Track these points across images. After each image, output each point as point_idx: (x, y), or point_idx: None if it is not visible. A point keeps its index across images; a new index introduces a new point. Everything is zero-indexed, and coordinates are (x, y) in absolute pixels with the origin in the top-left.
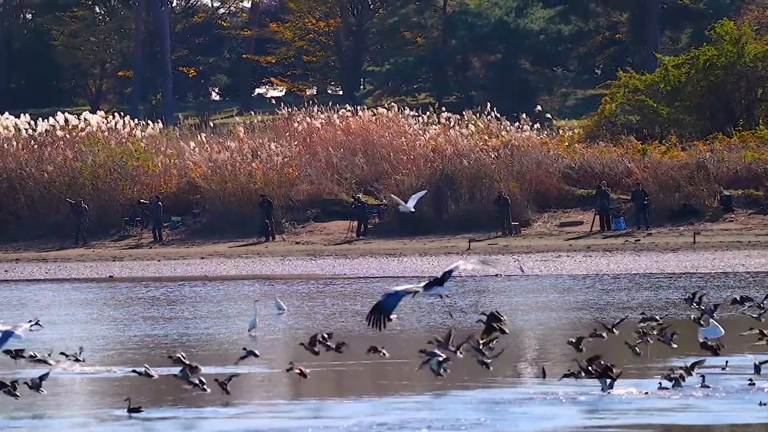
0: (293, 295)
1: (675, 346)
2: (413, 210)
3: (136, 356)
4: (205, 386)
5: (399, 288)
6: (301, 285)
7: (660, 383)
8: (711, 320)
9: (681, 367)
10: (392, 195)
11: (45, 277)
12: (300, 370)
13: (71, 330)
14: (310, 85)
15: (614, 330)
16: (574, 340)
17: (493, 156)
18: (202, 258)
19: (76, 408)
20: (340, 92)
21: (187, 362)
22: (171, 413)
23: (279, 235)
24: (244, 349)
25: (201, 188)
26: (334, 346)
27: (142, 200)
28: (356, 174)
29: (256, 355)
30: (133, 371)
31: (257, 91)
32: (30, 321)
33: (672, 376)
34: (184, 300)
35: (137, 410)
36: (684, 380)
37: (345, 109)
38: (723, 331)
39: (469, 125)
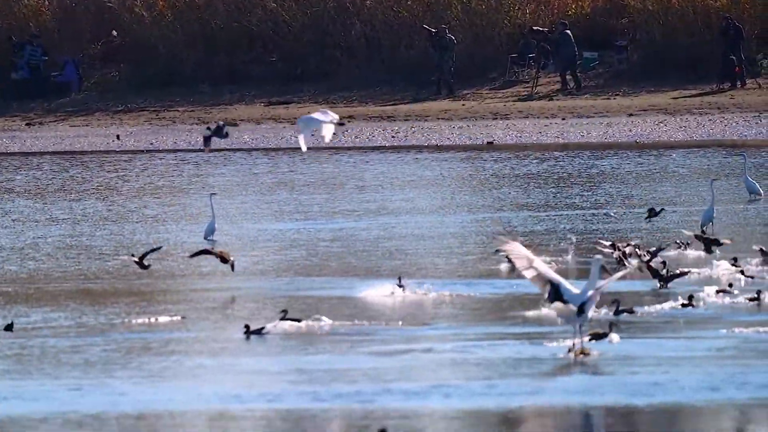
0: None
1: None
2: None
3: (478, 268)
4: None
5: None
6: None
7: None
8: None
9: None
10: None
11: (390, 144)
12: None
13: (396, 220)
14: None
15: None
16: None
17: None
18: (630, 115)
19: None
20: None
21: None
22: None
23: (751, 79)
24: None
25: (630, 8)
26: None
27: (537, 27)
28: None
29: None
30: None
31: None
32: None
33: None
34: (589, 177)
35: None
36: None
37: None
38: None
39: None
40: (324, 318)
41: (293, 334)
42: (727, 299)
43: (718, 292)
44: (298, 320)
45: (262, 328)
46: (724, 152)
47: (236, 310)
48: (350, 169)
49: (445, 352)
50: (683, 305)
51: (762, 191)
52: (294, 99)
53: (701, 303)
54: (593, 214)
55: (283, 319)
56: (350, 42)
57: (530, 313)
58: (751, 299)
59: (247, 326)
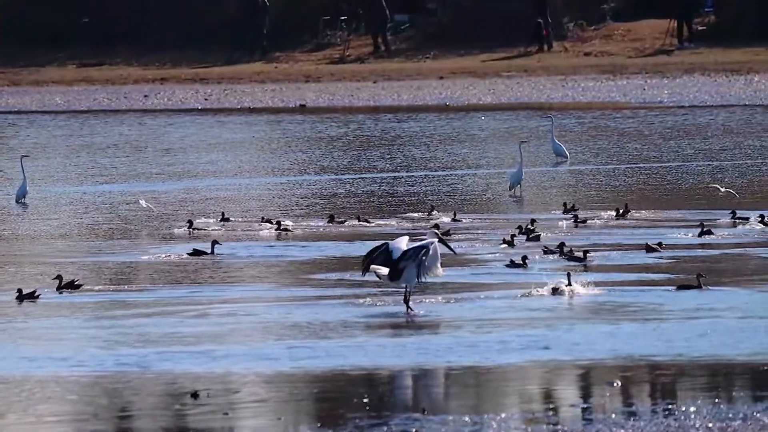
0: (581, 135)
1: None
2: None
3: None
4: None
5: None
6: (591, 118)
7: None
8: None
9: None
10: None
11: (203, 106)
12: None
13: (200, 183)
14: None
15: None
16: None
17: None
18: (441, 78)
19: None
20: None
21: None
22: None
23: (558, 42)
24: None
25: None
26: None
27: None
28: None
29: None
30: None
31: None
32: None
33: None
34: (393, 139)
35: None
36: None
37: None
38: None
39: None
40: (130, 282)
41: (101, 299)
42: (552, 261)
43: (545, 252)
44: (76, 286)
45: (34, 292)
46: (531, 115)
47: (38, 274)
48: (155, 132)
49: (256, 315)
50: (513, 265)
51: (568, 154)
52: (107, 61)
53: (530, 265)
54: (394, 177)
55: (59, 287)
56: (162, 4)
57: (345, 276)
58: (572, 258)
59: (19, 290)
